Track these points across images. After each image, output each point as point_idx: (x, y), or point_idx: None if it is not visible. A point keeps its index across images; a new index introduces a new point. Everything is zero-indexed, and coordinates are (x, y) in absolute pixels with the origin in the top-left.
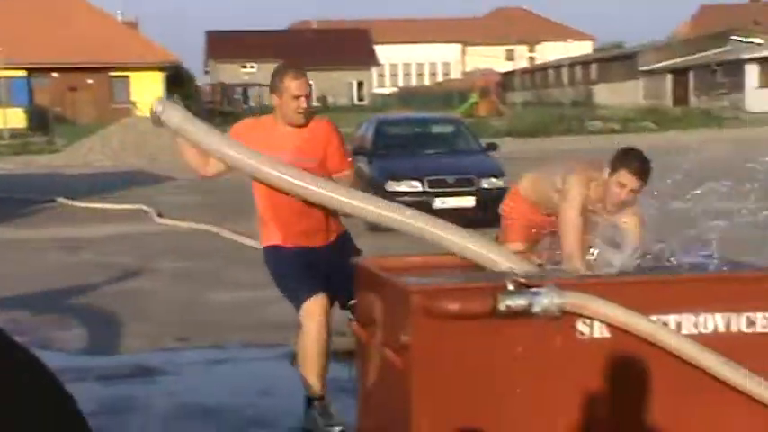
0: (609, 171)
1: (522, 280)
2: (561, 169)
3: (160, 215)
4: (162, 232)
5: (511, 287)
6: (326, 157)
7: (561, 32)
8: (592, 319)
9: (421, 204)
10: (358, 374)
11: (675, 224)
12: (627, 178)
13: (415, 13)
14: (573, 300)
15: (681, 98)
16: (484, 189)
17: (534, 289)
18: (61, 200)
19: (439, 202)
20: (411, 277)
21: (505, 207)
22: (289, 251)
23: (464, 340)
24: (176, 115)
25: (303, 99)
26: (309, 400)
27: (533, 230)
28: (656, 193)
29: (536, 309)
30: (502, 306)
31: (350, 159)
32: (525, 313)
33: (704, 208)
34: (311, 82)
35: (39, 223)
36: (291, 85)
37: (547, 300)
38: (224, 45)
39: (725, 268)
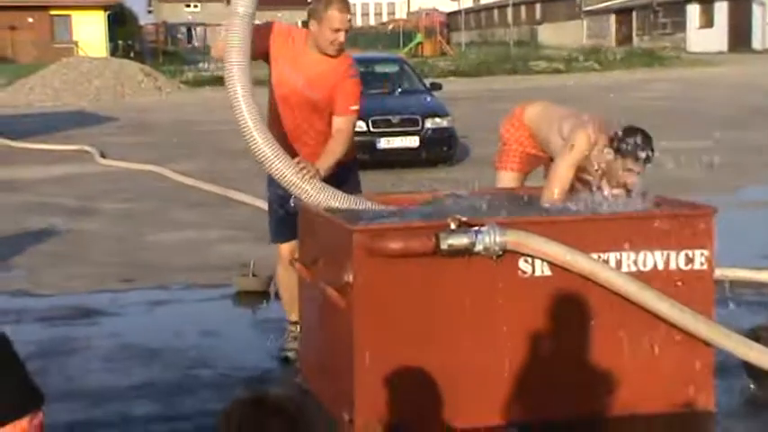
0: (614, 152)
1: (464, 219)
2: (573, 118)
3: (103, 155)
4: (104, 173)
5: (453, 226)
6: (333, 97)
7: None
8: (533, 257)
9: (366, 144)
10: (301, 312)
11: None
12: (634, 165)
13: None
14: (514, 238)
15: (624, 38)
16: (428, 129)
17: (476, 228)
18: (1, 140)
19: (383, 142)
20: (354, 216)
21: (505, 131)
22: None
23: (407, 279)
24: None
25: (342, 33)
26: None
27: (528, 158)
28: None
29: (478, 247)
30: (444, 245)
31: (353, 108)
32: (467, 252)
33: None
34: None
35: None
36: (335, 16)
37: (488, 238)
38: None
39: (664, 207)
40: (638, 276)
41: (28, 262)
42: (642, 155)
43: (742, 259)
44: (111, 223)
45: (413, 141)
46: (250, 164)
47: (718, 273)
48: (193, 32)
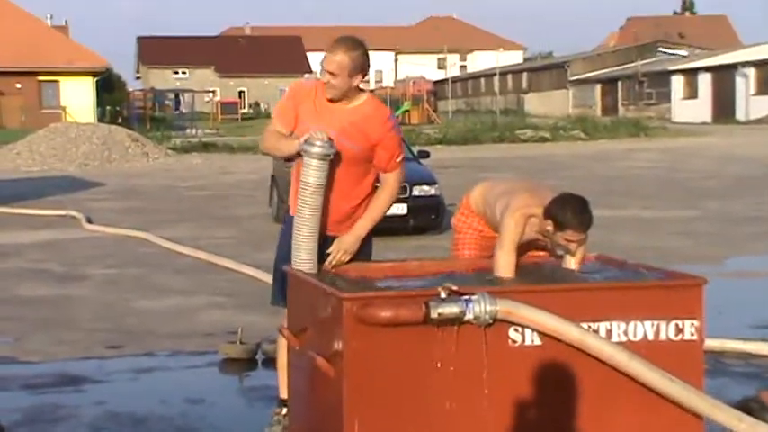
0: (550, 223)
1: (454, 287)
2: (505, 197)
3: (89, 221)
4: (91, 238)
5: (443, 295)
6: (374, 152)
7: (492, 42)
8: (523, 326)
9: None
10: (290, 381)
11: (602, 233)
12: (574, 236)
13: (349, 22)
14: (504, 307)
15: (609, 108)
16: (416, 197)
17: (466, 296)
18: None
19: None
20: (343, 284)
21: (457, 221)
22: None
23: (397, 348)
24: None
25: (326, 74)
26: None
27: (484, 241)
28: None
29: (468, 316)
30: (434, 314)
31: (398, 160)
32: (457, 321)
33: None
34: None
35: None
36: (325, 56)
37: (479, 307)
38: (155, 50)
39: (654, 276)
40: (629, 346)
41: (14, 328)
42: (578, 224)
43: (730, 330)
44: (97, 289)
45: (400, 209)
46: (236, 230)
47: (708, 343)
48: (181, 99)
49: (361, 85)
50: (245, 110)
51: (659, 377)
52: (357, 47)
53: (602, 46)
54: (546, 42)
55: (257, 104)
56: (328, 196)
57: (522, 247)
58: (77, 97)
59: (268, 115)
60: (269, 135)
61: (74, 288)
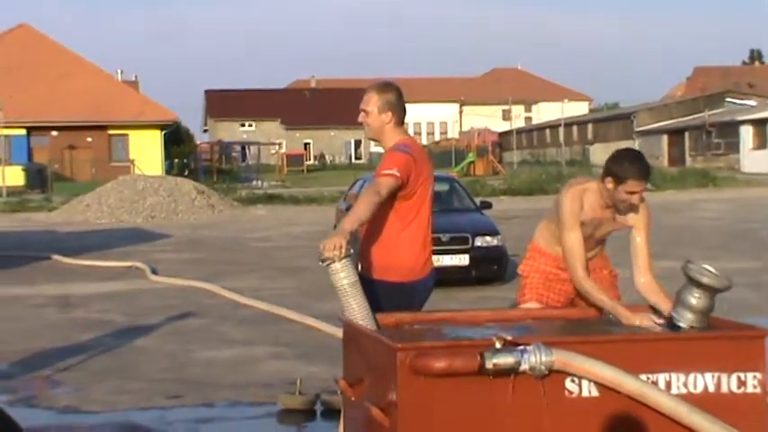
0: (610, 180)
1: (509, 338)
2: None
3: (154, 272)
4: (155, 289)
5: (498, 345)
6: None
7: (557, 93)
8: (580, 377)
9: None
10: None
11: (667, 284)
12: (636, 185)
13: (414, 73)
14: (560, 357)
15: (677, 158)
16: (478, 247)
17: (521, 347)
18: (56, 257)
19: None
20: (398, 334)
21: (523, 267)
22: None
23: (451, 399)
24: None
25: (362, 114)
26: None
27: (550, 285)
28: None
29: (523, 366)
30: (489, 364)
31: (386, 172)
32: (513, 371)
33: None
34: (350, 137)
35: (33, 280)
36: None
37: (534, 358)
38: (223, 104)
39: (716, 328)
40: (688, 399)
41: (77, 378)
42: (637, 172)
43: None
44: (160, 339)
45: (463, 260)
46: (298, 281)
47: None
48: (247, 151)
49: (425, 134)
50: (311, 161)
51: (721, 431)
52: (388, 86)
53: (668, 96)
54: (612, 93)
55: (323, 156)
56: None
57: (591, 232)
58: (145, 150)
59: (334, 167)
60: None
61: (137, 338)
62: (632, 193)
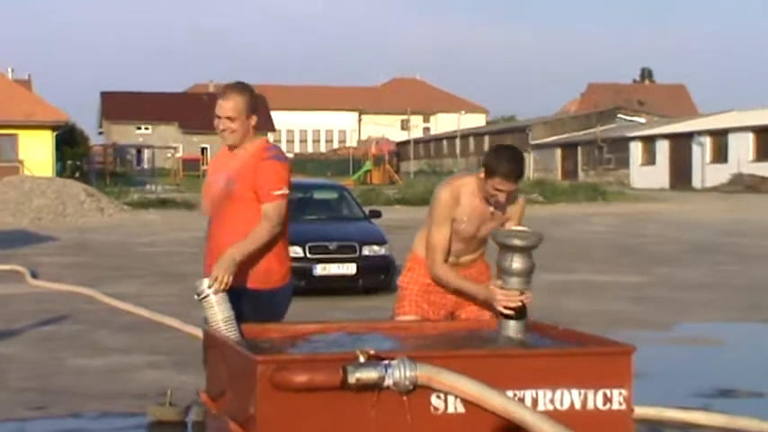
0: (483, 172)
1: (373, 351)
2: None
3: (34, 276)
4: (33, 294)
5: (362, 359)
6: (255, 185)
7: (456, 104)
8: (446, 393)
9: (302, 270)
10: None
11: (550, 296)
12: (502, 184)
13: (313, 81)
14: (425, 372)
15: (570, 172)
16: (365, 256)
17: (386, 361)
18: None
19: (319, 269)
20: (259, 346)
21: (401, 280)
22: None
23: (313, 414)
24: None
25: (224, 121)
26: None
27: (428, 298)
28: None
29: (387, 381)
30: (351, 379)
31: (277, 193)
32: (376, 386)
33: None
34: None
35: None
36: (218, 104)
37: (398, 372)
38: (119, 106)
39: (581, 344)
40: (555, 415)
41: None
42: (505, 171)
43: (672, 397)
44: (31, 347)
45: (350, 268)
46: (182, 288)
47: (646, 411)
48: (143, 154)
49: (324, 141)
50: (207, 166)
51: None
52: (246, 86)
53: (563, 111)
54: (508, 106)
55: None
56: (220, 240)
57: (473, 231)
58: (36, 151)
59: None
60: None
61: (4, 345)
62: (498, 190)
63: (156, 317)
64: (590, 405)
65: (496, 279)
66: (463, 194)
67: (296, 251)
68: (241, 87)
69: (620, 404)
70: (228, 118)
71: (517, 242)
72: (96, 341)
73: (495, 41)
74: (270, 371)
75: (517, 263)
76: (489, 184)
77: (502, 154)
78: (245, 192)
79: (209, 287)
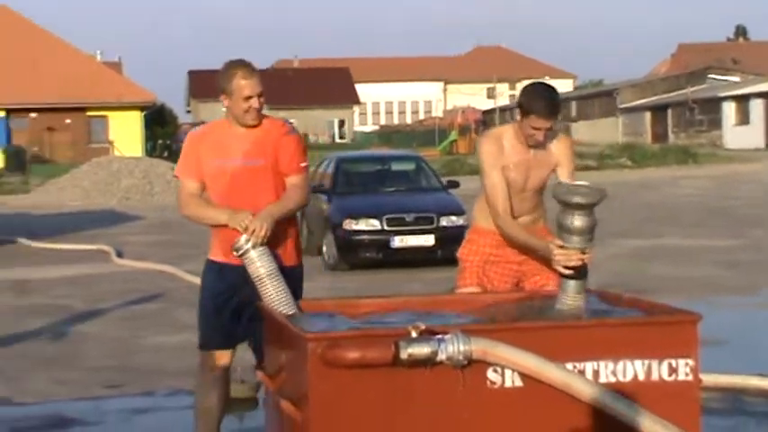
0: (520, 114)
1: (426, 326)
2: None
3: (120, 255)
4: (118, 273)
5: (414, 334)
6: (278, 159)
7: (542, 70)
8: (502, 367)
9: (379, 243)
10: (265, 427)
11: (635, 262)
12: (538, 122)
13: (397, 53)
14: (480, 346)
15: (659, 135)
16: (443, 227)
17: (439, 336)
18: (22, 240)
19: (397, 241)
20: (313, 322)
21: (461, 252)
22: (212, 272)
23: (366, 391)
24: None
25: (255, 99)
26: None
27: (490, 268)
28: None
29: (441, 356)
30: (404, 354)
31: (303, 165)
32: (430, 362)
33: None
34: (294, 120)
35: None
36: (242, 84)
37: (452, 347)
38: (205, 84)
39: (645, 312)
40: (618, 387)
41: (16, 366)
42: (541, 106)
43: (758, 363)
44: (113, 325)
45: (428, 240)
46: None
47: (728, 380)
48: None
49: (410, 113)
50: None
51: (650, 421)
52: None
53: (652, 73)
54: (596, 71)
55: (305, 135)
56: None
57: (522, 181)
58: (125, 132)
59: (317, 146)
60: (188, 200)
61: (88, 324)
62: (536, 129)
63: None
64: (654, 376)
65: (557, 238)
66: (505, 140)
67: (373, 224)
68: (252, 64)
69: (687, 375)
70: (259, 95)
71: (578, 199)
72: (177, 319)
73: (580, 4)
74: (321, 348)
75: (578, 220)
76: (526, 124)
77: (535, 91)
78: (268, 166)
79: (247, 241)
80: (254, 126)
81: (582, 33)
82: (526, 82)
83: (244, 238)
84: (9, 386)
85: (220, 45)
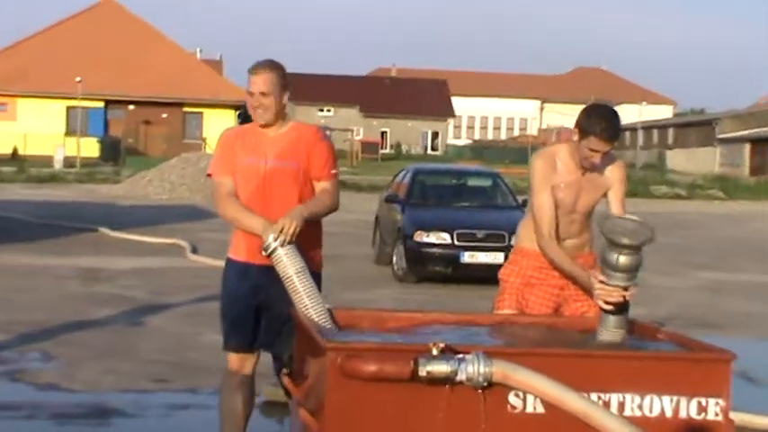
0: (577, 132)
1: (447, 344)
2: None
3: (194, 251)
4: (189, 268)
5: (434, 351)
6: (310, 164)
7: (640, 95)
8: (523, 391)
9: (448, 257)
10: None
11: (708, 295)
12: (597, 144)
13: (496, 68)
14: (500, 369)
15: (758, 168)
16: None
17: (460, 355)
18: (103, 230)
19: (467, 256)
20: (338, 332)
21: (503, 270)
22: (235, 271)
23: (383, 405)
24: (292, 266)
25: (260, 97)
26: None
27: (531, 291)
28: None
29: (460, 376)
30: (422, 372)
31: (334, 171)
32: (449, 381)
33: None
34: (387, 129)
35: (70, 252)
36: (250, 80)
37: (472, 368)
38: (302, 88)
39: (676, 348)
40: (643, 422)
41: (71, 354)
42: (601, 129)
43: None
44: (176, 320)
45: (497, 257)
46: (334, 269)
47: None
48: None
49: (505, 129)
50: (387, 150)
51: None
52: (278, 63)
53: (756, 105)
54: (698, 99)
55: (399, 145)
56: (273, 214)
57: (571, 203)
58: (219, 129)
59: (409, 157)
60: (227, 200)
61: (150, 317)
62: (594, 151)
63: None
64: (682, 413)
65: (600, 272)
66: (558, 160)
67: (443, 237)
68: (272, 64)
69: (716, 414)
70: (262, 93)
71: (625, 240)
72: None
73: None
74: (341, 358)
75: (623, 259)
76: (584, 146)
77: (597, 113)
78: (300, 169)
79: (276, 240)
80: (265, 126)
81: (686, 60)
82: (625, 105)
83: (272, 236)
84: (60, 373)
85: (320, 50)
